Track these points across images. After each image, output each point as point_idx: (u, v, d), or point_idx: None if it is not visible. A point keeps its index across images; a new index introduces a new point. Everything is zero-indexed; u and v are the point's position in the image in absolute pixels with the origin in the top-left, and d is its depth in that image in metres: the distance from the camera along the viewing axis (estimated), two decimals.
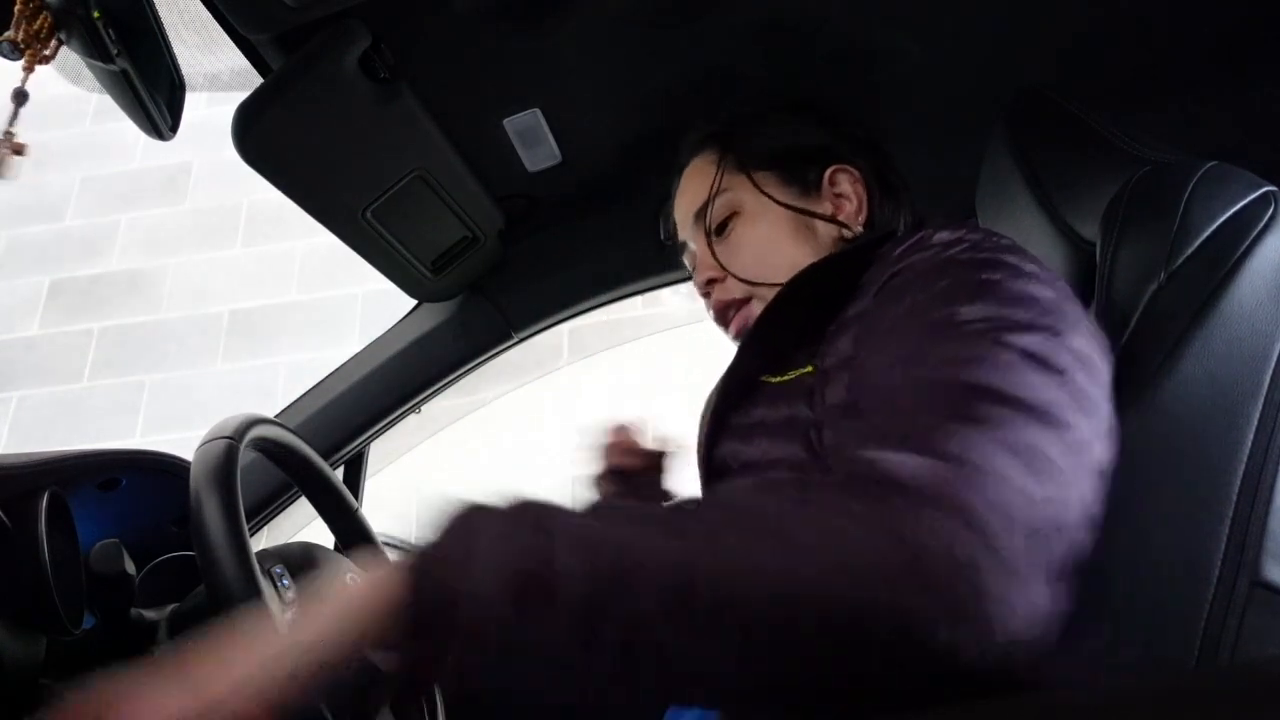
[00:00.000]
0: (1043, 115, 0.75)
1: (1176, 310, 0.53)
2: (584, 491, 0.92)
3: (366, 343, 1.25)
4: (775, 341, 0.70)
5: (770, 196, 0.80)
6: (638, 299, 1.26)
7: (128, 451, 0.90)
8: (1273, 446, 0.48)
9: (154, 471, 0.92)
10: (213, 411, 0.90)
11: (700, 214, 0.82)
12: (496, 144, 1.01)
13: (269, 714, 0.43)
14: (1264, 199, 0.57)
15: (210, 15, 0.77)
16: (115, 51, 0.70)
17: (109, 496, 0.88)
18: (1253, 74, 0.98)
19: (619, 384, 2.88)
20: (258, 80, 0.84)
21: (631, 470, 0.93)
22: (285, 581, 0.78)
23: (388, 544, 1.12)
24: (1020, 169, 0.73)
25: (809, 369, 0.64)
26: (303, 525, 1.32)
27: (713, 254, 0.81)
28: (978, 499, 0.43)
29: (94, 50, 0.70)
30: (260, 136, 0.84)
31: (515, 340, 1.23)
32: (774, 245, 0.79)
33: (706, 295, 0.83)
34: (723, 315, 0.81)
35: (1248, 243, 0.54)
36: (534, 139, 1.02)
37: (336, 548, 1.01)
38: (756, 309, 0.77)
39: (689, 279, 1.16)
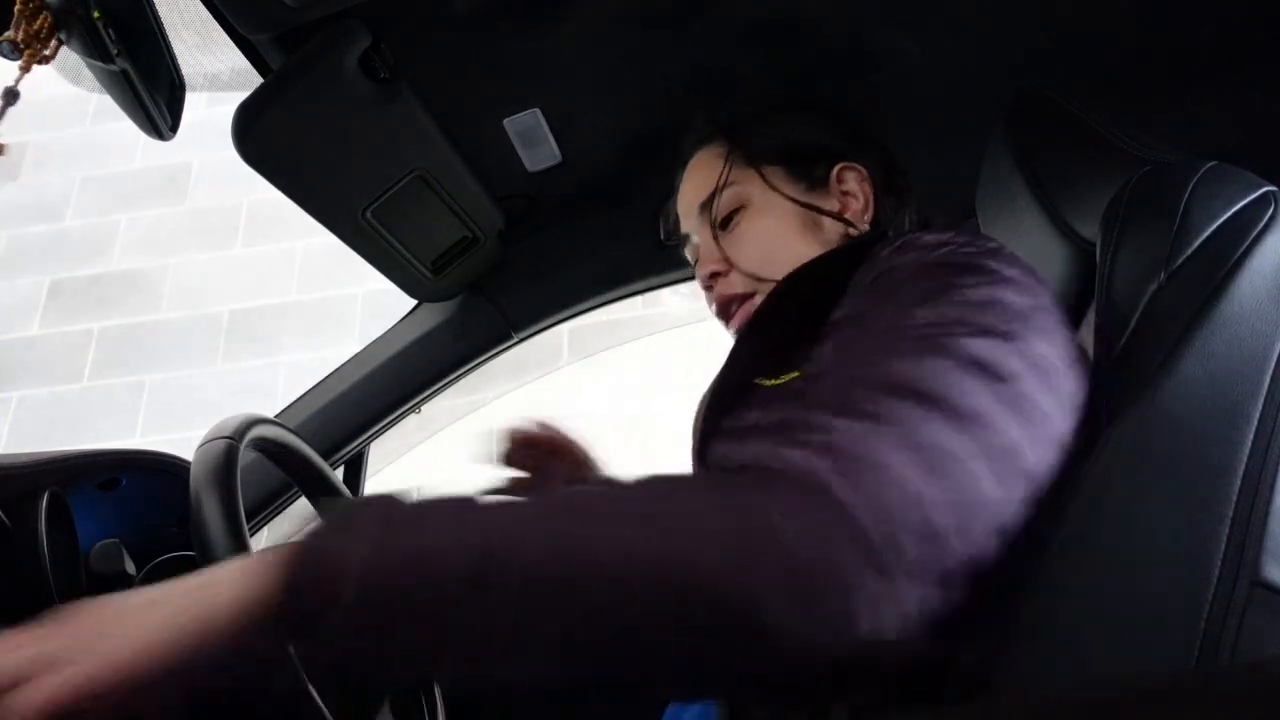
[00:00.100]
0: (1043, 115, 0.75)
1: (1176, 310, 0.53)
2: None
3: (366, 343, 1.25)
4: (769, 343, 0.69)
5: (778, 191, 0.80)
6: (638, 299, 1.26)
7: (128, 451, 0.90)
8: (1273, 447, 0.48)
9: (154, 471, 0.92)
10: (213, 411, 0.90)
11: (705, 206, 0.82)
12: (496, 144, 1.01)
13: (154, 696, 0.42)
14: (1264, 199, 0.57)
15: (210, 15, 0.77)
16: (115, 51, 0.71)
17: (109, 496, 0.88)
18: (1253, 74, 0.98)
19: (619, 384, 2.88)
20: (258, 80, 0.84)
21: (544, 466, 0.93)
22: None
23: None
24: (1020, 169, 0.73)
25: (798, 373, 0.64)
26: (303, 525, 1.32)
27: (718, 246, 0.80)
28: (858, 495, 0.43)
29: (94, 50, 0.70)
30: (260, 136, 0.84)
31: (515, 340, 1.23)
32: (780, 239, 0.78)
33: (709, 289, 0.82)
34: (725, 310, 0.81)
35: (1248, 243, 0.54)
36: (534, 139, 1.02)
37: None
38: (759, 304, 0.77)
39: (689, 279, 1.17)
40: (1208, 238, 0.55)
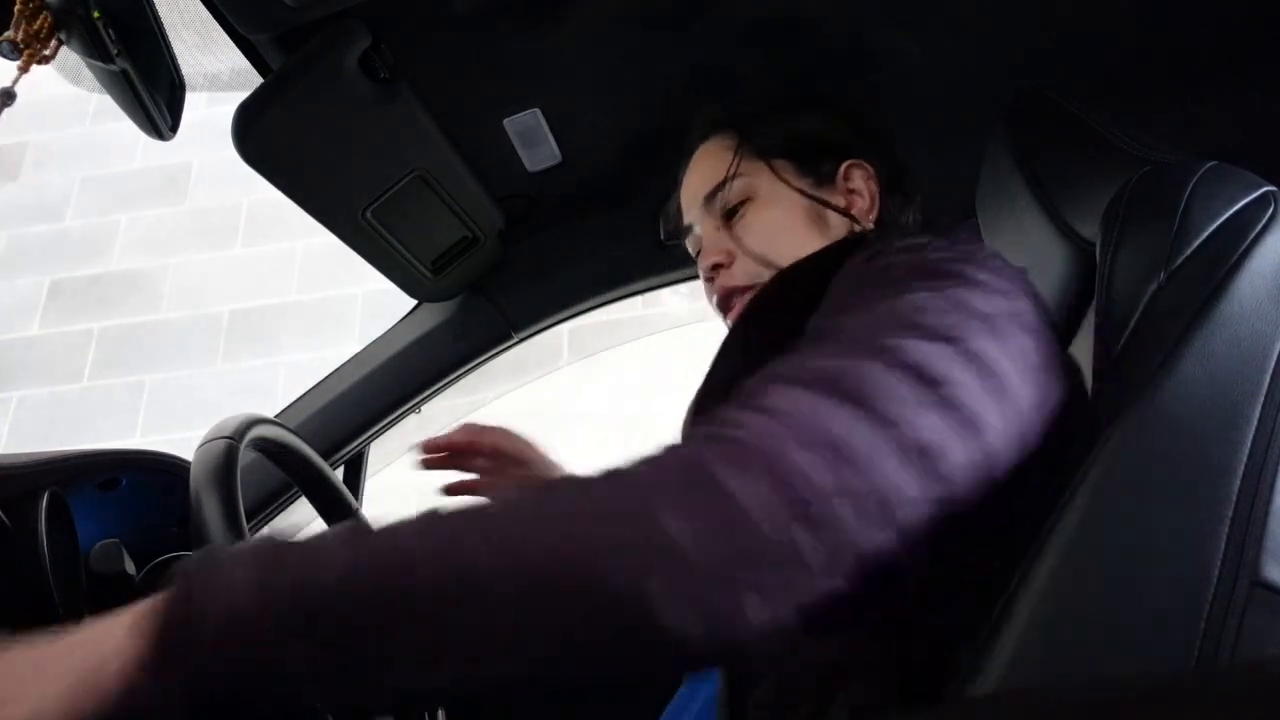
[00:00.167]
0: (1043, 115, 0.75)
1: (1176, 310, 0.53)
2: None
3: (366, 343, 1.25)
4: (753, 346, 0.69)
5: (786, 183, 0.80)
6: (638, 299, 1.26)
7: (128, 451, 0.90)
8: (1273, 447, 0.48)
9: (154, 471, 0.92)
10: (213, 411, 0.90)
11: (711, 196, 0.82)
12: (496, 144, 1.01)
13: None
14: (1264, 199, 0.57)
15: (210, 15, 0.77)
16: (115, 51, 0.71)
17: (109, 496, 0.88)
18: (1253, 74, 0.98)
19: (619, 384, 2.88)
20: (258, 80, 0.84)
21: (500, 471, 0.95)
22: None
23: None
24: (1020, 169, 0.73)
25: None
26: (302, 525, 1.32)
27: (722, 238, 0.80)
28: (751, 487, 0.43)
29: (94, 50, 0.70)
30: (260, 136, 0.84)
31: (515, 340, 1.23)
32: (786, 232, 0.78)
33: (710, 280, 0.82)
34: (725, 301, 0.80)
35: (1247, 243, 0.54)
36: (534, 139, 1.02)
37: None
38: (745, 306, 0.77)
39: (689, 279, 1.17)
40: (1207, 238, 0.55)
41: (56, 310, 3.40)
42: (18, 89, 0.71)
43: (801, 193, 0.79)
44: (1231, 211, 0.56)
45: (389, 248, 1.04)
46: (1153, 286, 0.56)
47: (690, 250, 0.88)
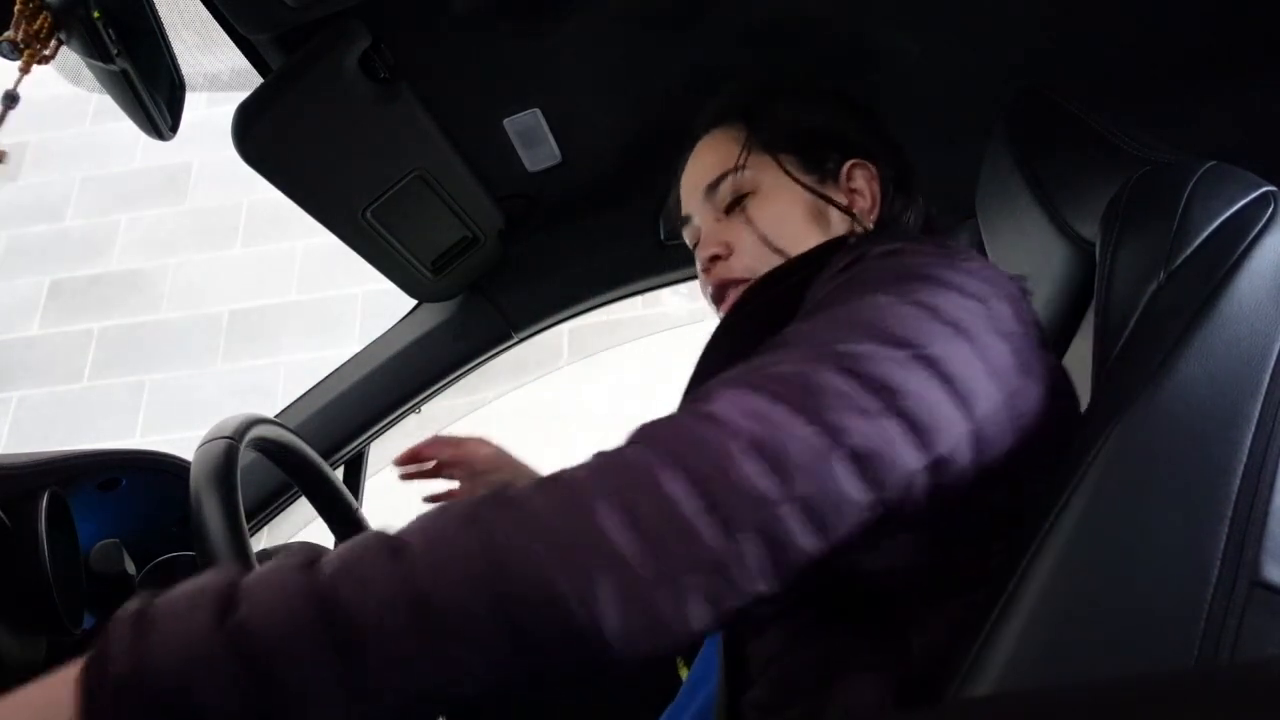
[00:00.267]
0: (1043, 115, 0.75)
1: (1176, 310, 0.53)
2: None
3: (366, 343, 1.25)
4: (736, 346, 0.68)
5: (791, 178, 0.79)
6: (638, 299, 1.26)
7: (128, 451, 0.90)
8: (1272, 446, 0.48)
9: (154, 471, 0.92)
10: (213, 411, 0.90)
11: (714, 187, 0.81)
12: (496, 144, 1.01)
13: None
14: (1263, 199, 0.57)
15: (210, 15, 0.77)
16: (115, 51, 0.71)
17: (109, 496, 0.88)
18: (1253, 74, 0.98)
19: (619, 384, 2.88)
20: (258, 80, 0.84)
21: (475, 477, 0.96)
22: None
23: None
24: (1020, 169, 0.73)
25: None
26: (302, 525, 1.32)
27: (728, 228, 0.79)
28: (693, 488, 0.43)
29: (94, 50, 0.70)
30: (260, 136, 0.84)
31: (515, 340, 1.23)
32: (787, 226, 0.78)
33: (707, 271, 0.81)
34: (720, 292, 0.80)
35: (1247, 243, 0.54)
36: (534, 139, 1.02)
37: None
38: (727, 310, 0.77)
39: (689, 279, 1.17)
40: (1207, 237, 0.55)
41: (56, 310, 3.40)
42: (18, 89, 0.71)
43: (805, 188, 0.79)
44: (1231, 211, 0.56)
45: (389, 248, 1.04)
46: (1152, 286, 0.56)
47: (688, 241, 0.87)
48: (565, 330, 1.29)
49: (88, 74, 0.77)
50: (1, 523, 0.67)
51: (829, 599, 0.60)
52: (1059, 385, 0.60)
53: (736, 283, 0.78)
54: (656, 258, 1.16)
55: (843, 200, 0.80)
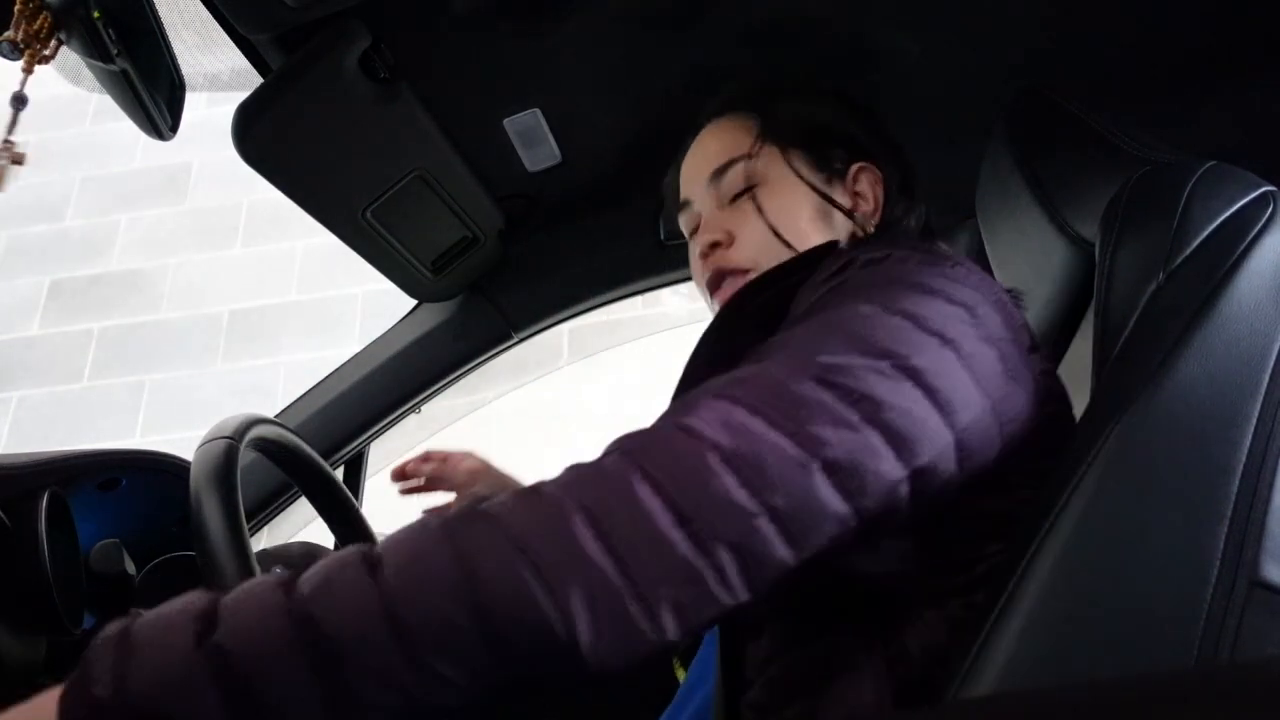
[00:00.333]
0: (1043, 115, 0.75)
1: (1176, 310, 0.53)
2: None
3: (366, 343, 1.25)
4: (725, 351, 0.67)
5: (798, 174, 0.79)
6: (638, 299, 1.26)
7: (128, 451, 0.90)
8: (1271, 446, 0.48)
9: (154, 471, 0.92)
10: (213, 411, 0.90)
11: (720, 173, 0.79)
12: (496, 144, 1.01)
13: None
14: (1263, 199, 0.57)
15: (210, 15, 0.77)
16: (115, 51, 0.71)
17: (109, 496, 0.88)
18: (1253, 74, 0.98)
19: (619, 384, 2.88)
20: (258, 80, 0.84)
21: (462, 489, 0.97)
22: None
23: None
24: (1020, 169, 0.73)
25: None
26: (302, 525, 1.32)
27: (731, 217, 0.78)
28: (673, 500, 0.44)
29: (94, 50, 0.70)
30: (260, 136, 0.84)
31: (515, 340, 1.23)
32: (792, 221, 0.77)
33: (704, 256, 0.79)
34: (717, 280, 0.78)
35: (1246, 243, 0.54)
36: (534, 139, 1.02)
37: (336, 548, 1.01)
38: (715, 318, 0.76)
39: (689, 279, 1.16)
40: (1207, 237, 0.55)
41: (56, 310, 3.40)
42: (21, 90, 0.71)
43: (811, 187, 0.79)
44: (1231, 211, 0.56)
45: (389, 248, 1.04)
46: (1152, 286, 0.56)
47: (683, 227, 0.86)
48: (565, 330, 1.29)
49: (88, 74, 0.77)
50: (1, 523, 0.67)
51: (827, 600, 0.60)
52: (1050, 390, 0.60)
53: (735, 272, 0.77)
54: (656, 258, 1.16)
55: (847, 203, 0.79)
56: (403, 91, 0.89)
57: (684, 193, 0.84)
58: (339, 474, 1.24)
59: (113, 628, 0.43)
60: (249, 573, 0.64)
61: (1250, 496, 0.47)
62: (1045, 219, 0.70)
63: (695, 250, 0.81)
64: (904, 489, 0.49)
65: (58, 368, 3.26)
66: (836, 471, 0.47)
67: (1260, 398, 0.49)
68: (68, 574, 0.71)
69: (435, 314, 1.21)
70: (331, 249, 1.61)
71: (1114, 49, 0.98)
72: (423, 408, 1.27)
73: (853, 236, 0.78)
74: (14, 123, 0.71)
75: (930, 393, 0.51)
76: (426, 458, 0.99)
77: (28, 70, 0.69)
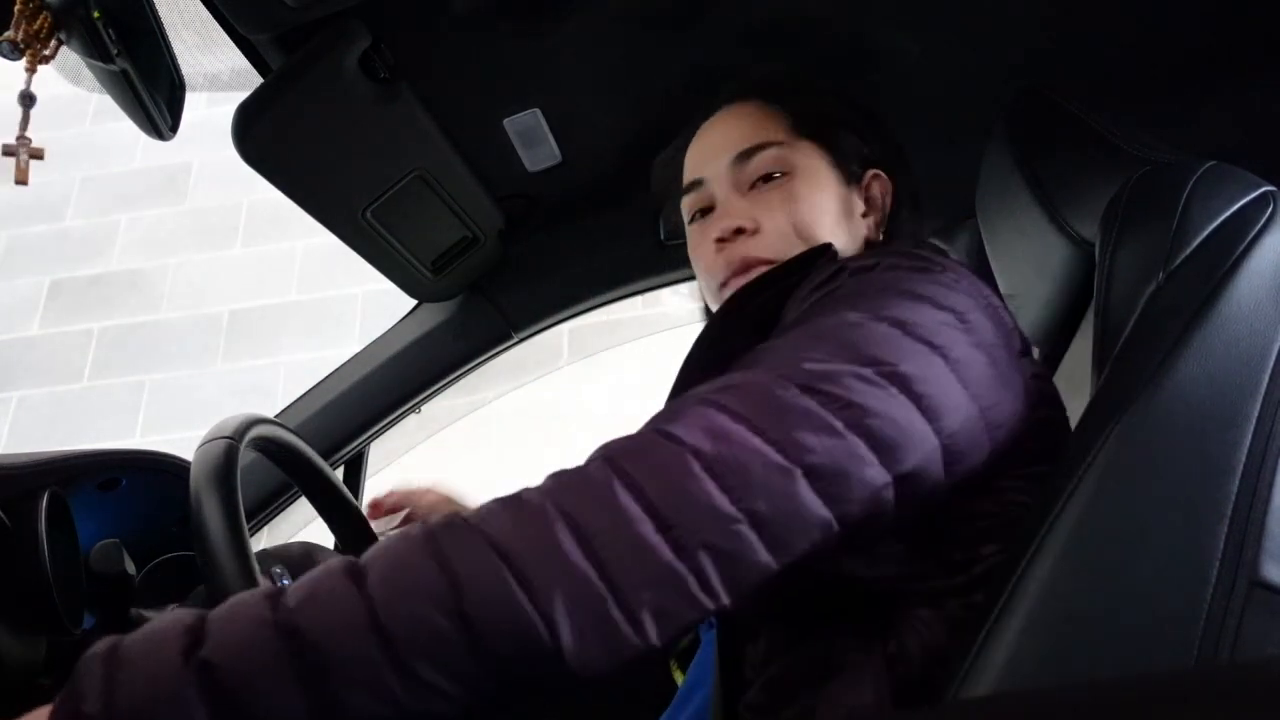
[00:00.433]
0: (1043, 115, 0.75)
1: (1175, 310, 0.53)
2: None
3: (366, 343, 1.25)
4: (718, 354, 0.66)
5: (832, 171, 0.78)
6: (638, 299, 1.26)
7: (128, 451, 0.90)
8: (1271, 446, 0.48)
9: (154, 471, 0.92)
10: (213, 411, 0.90)
11: (746, 155, 0.76)
12: (496, 144, 1.01)
13: None
14: (1263, 199, 0.57)
15: (210, 15, 0.77)
16: (115, 51, 0.71)
17: (109, 496, 0.88)
18: (1253, 74, 0.98)
19: (619, 384, 2.88)
20: (258, 80, 0.84)
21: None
22: (285, 581, 0.78)
23: None
24: (1020, 169, 0.73)
25: None
26: (302, 525, 1.32)
27: (755, 204, 0.76)
28: (654, 504, 0.44)
29: (94, 50, 0.70)
30: (260, 136, 0.84)
31: (515, 340, 1.23)
32: (823, 216, 0.75)
33: (723, 241, 0.76)
34: (743, 269, 0.74)
35: (1246, 243, 0.54)
36: (534, 139, 1.02)
37: (336, 548, 1.01)
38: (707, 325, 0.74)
39: (689, 279, 1.16)
40: (1206, 237, 0.55)
41: (56, 310, 3.40)
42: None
43: (836, 184, 0.78)
44: (1231, 211, 0.56)
45: (389, 248, 1.04)
46: (1152, 286, 0.56)
47: (688, 208, 0.81)
48: (565, 330, 1.29)
49: (88, 74, 0.77)
50: (1, 523, 0.67)
51: (825, 601, 0.60)
52: (1042, 394, 0.60)
53: (762, 262, 0.73)
54: (656, 258, 1.16)
55: (860, 208, 0.79)
56: (403, 91, 0.89)
57: (696, 172, 0.80)
58: (339, 474, 1.24)
59: (102, 644, 0.43)
60: (249, 573, 0.64)
61: (1250, 496, 0.47)
62: (1045, 219, 0.70)
63: (706, 234, 0.77)
64: (888, 494, 0.49)
65: (58, 368, 3.26)
66: (819, 477, 0.47)
67: (1260, 398, 0.49)
68: (68, 574, 0.71)
69: (435, 314, 1.21)
70: (331, 249, 1.61)
71: (1114, 49, 0.98)
72: (423, 408, 1.27)
73: (866, 242, 0.78)
74: (26, 119, 0.71)
75: (916, 399, 0.51)
76: (389, 494, 1.01)
77: (31, 69, 0.69)
